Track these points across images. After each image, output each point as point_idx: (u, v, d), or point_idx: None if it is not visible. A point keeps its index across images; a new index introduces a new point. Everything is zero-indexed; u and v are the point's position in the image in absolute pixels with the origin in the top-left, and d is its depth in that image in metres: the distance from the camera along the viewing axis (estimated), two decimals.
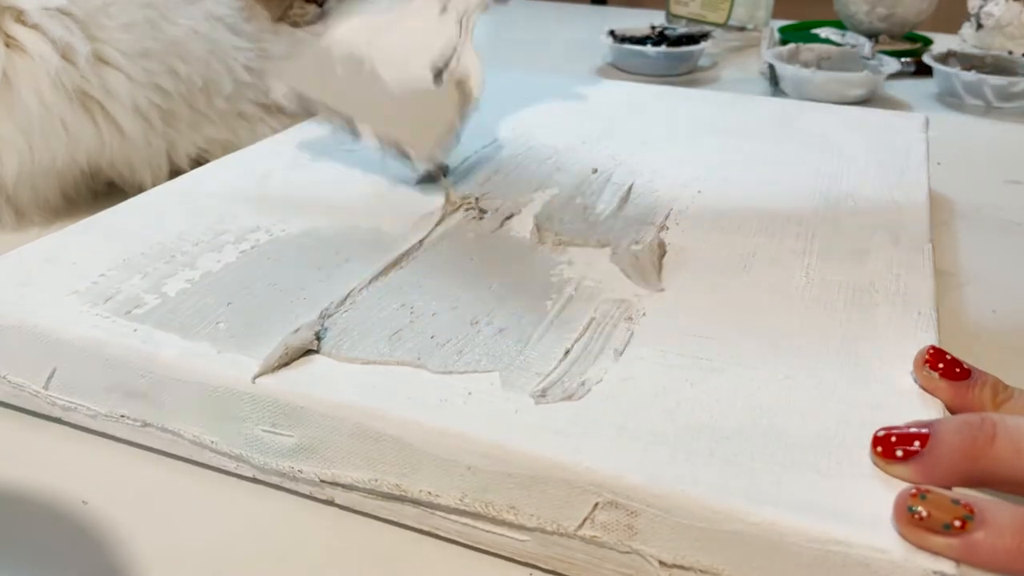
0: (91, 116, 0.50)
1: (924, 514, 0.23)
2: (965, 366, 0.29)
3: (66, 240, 0.39)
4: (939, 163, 0.57)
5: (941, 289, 0.36)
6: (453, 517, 0.28)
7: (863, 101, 0.78)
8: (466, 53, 0.42)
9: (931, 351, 0.30)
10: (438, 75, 0.39)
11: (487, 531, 0.28)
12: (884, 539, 0.23)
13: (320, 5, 0.62)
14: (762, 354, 0.31)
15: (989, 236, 0.51)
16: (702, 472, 0.25)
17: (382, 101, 0.38)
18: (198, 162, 0.55)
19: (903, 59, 0.84)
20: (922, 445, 0.25)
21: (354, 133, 0.40)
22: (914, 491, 0.24)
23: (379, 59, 0.41)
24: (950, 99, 0.79)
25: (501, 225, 0.41)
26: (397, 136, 0.38)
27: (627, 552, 0.26)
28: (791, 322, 0.33)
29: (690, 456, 0.26)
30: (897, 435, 0.26)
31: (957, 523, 0.23)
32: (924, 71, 0.84)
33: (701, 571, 0.25)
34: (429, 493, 0.28)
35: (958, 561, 0.23)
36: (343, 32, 0.42)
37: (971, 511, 0.23)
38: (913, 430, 0.26)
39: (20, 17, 0.47)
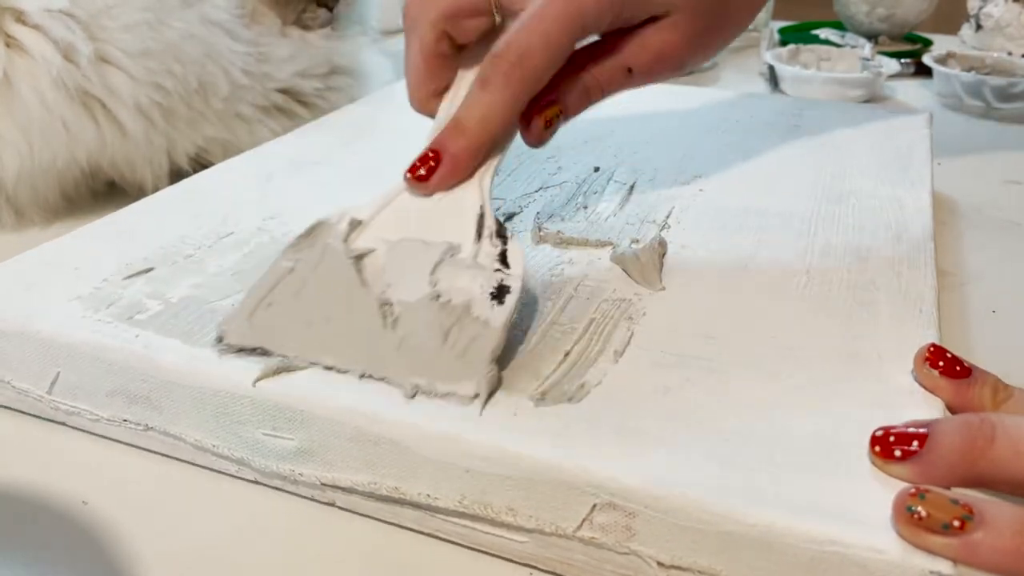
0: (92, 115, 0.50)
1: (923, 514, 0.23)
2: (965, 364, 0.29)
3: (68, 245, 0.39)
4: (939, 163, 0.57)
5: (941, 289, 0.36)
6: (452, 519, 0.28)
7: (863, 102, 0.78)
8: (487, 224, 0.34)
9: (932, 349, 0.30)
10: (499, 295, 0.30)
11: (486, 533, 0.28)
12: (882, 539, 0.23)
13: (330, 9, 0.63)
14: (762, 354, 0.31)
15: (989, 236, 0.51)
16: (700, 473, 0.25)
17: (399, 336, 0.29)
18: (197, 161, 0.55)
19: (903, 60, 0.85)
20: (920, 445, 0.25)
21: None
22: (913, 491, 0.24)
23: (389, 266, 0.32)
24: (950, 100, 0.79)
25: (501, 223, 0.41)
26: (431, 378, 0.28)
27: (625, 553, 0.26)
28: (792, 321, 0.33)
29: (688, 457, 0.26)
30: (895, 435, 0.26)
31: (956, 523, 0.23)
32: (924, 72, 0.84)
33: (699, 572, 0.25)
34: (428, 496, 0.28)
35: (957, 561, 0.23)
36: (327, 247, 0.32)
37: (970, 511, 0.23)
38: (911, 430, 0.26)
39: (21, 18, 0.47)
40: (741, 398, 0.29)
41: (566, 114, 0.37)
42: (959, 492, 0.24)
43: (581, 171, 0.48)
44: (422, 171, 0.33)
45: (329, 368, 0.29)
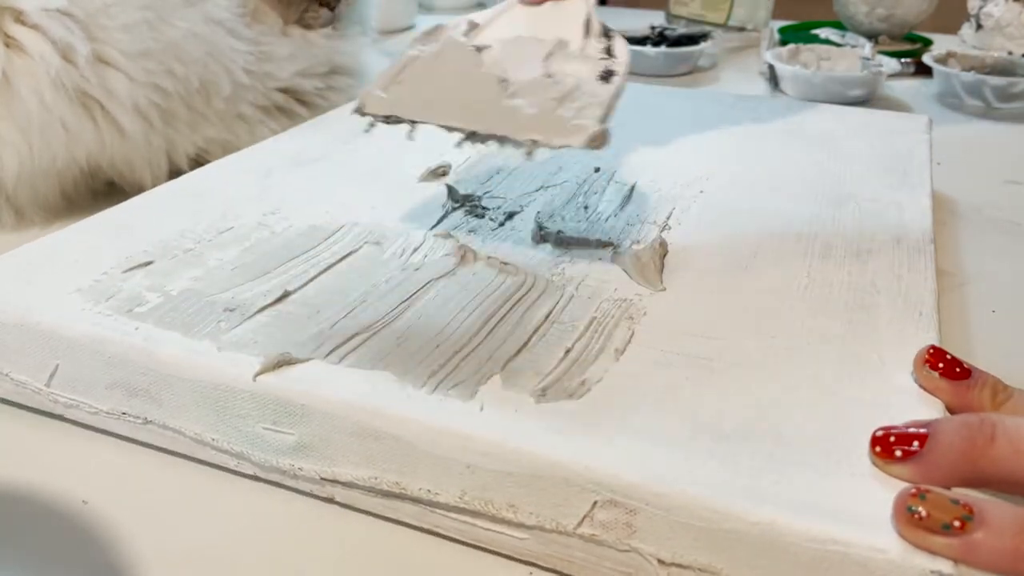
0: (91, 115, 0.50)
1: (923, 514, 0.23)
2: (965, 366, 0.29)
3: (68, 238, 0.39)
4: (939, 163, 0.57)
5: (941, 289, 0.36)
6: (453, 515, 0.28)
7: (863, 101, 0.78)
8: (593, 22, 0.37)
9: (931, 351, 0.30)
10: (606, 76, 0.34)
11: (486, 529, 0.28)
12: (882, 539, 0.23)
13: (332, 9, 0.63)
14: (762, 354, 0.31)
15: (989, 236, 0.51)
16: (701, 471, 0.25)
17: (516, 104, 0.33)
18: (197, 162, 0.55)
19: (903, 60, 0.85)
20: (921, 445, 0.25)
21: (479, 141, 0.34)
22: (914, 491, 0.24)
23: (505, 58, 0.35)
24: (950, 100, 0.79)
25: (502, 224, 0.41)
26: (546, 135, 0.32)
27: (626, 550, 0.26)
28: (792, 322, 0.33)
29: (689, 455, 0.26)
30: (896, 435, 0.26)
31: (956, 523, 0.23)
32: (924, 72, 0.84)
33: (699, 570, 0.25)
34: (429, 491, 0.28)
35: (957, 561, 0.23)
36: (449, 38, 0.36)
37: (970, 511, 0.23)
38: (912, 430, 0.26)
39: (20, 18, 0.47)
40: (742, 398, 0.29)
41: None
42: (959, 492, 0.24)
43: (582, 171, 0.48)
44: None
45: (452, 128, 0.33)
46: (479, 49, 0.35)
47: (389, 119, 0.34)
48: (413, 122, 0.34)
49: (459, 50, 0.34)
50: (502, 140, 0.33)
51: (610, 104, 0.33)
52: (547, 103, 0.32)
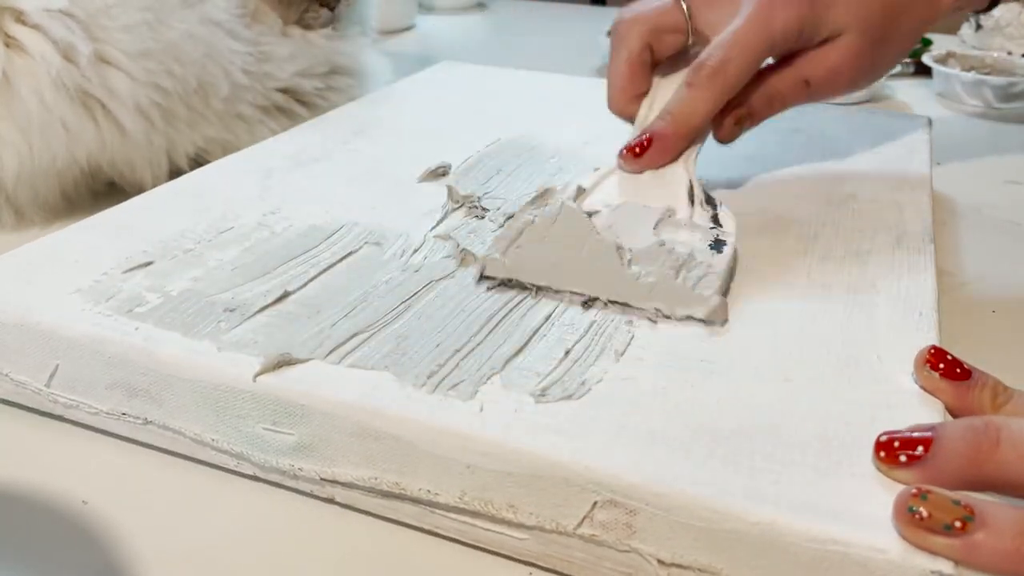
0: (92, 115, 0.50)
1: (924, 514, 0.23)
2: (966, 367, 0.29)
3: (68, 238, 0.39)
4: (939, 163, 0.57)
5: (941, 289, 0.36)
6: (452, 515, 0.28)
7: (863, 101, 0.78)
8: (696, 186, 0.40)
9: (932, 351, 0.30)
10: (717, 246, 0.36)
11: (486, 529, 0.28)
12: (883, 539, 0.23)
13: (331, 9, 0.63)
14: (762, 354, 0.31)
15: (989, 236, 0.51)
16: (701, 471, 0.25)
17: (635, 271, 0.33)
18: (197, 162, 0.55)
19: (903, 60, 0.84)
20: (925, 450, 0.25)
21: (595, 302, 0.34)
22: (915, 491, 0.24)
23: (616, 223, 0.37)
24: (950, 100, 0.79)
25: (502, 225, 0.41)
26: (669, 304, 0.33)
27: (626, 551, 0.26)
28: (792, 322, 0.33)
29: (689, 455, 0.26)
30: (900, 440, 0.26)
31: (957, 524, 0.23)
32: (924, 72, 0.84)
33: (699, 570, 0.25)
34: (429, 491, 0.28)
35: (958, 562, 0.23)
36: (564, 204, 0.36)
37: (971, 512, 0.23)
38: (916, 435, 0.25)
39: (20, 18, 0.47)
40: (742, 398, 0.29)
41: (752, 118, 0.44)
42: (960, 493, 0.24)
43: (582, 171, 0.47)
44: (637, 150, 0.41)
45: (576, 294, 0.34)
46: (590, 215, 0.36)
47: (511, 283, 0.35)
48: (537, 288, 0.35)
49: (574, 215, 0.35)
50: (624, 307, 0.34)
51: (726, 276, 0.35)
52: (666, 272, 0.33)
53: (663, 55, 0.45)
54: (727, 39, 0.41)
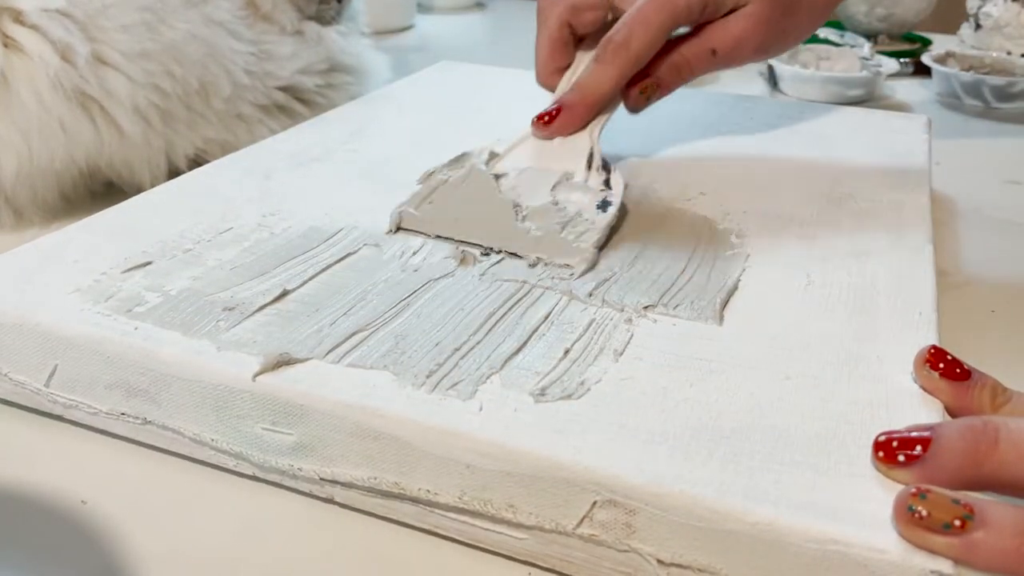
0: (90, 116, 0.49)
1: (924, 513, 0.23)
2: (965, 367, 0.29)
3: (67, 238, 0.39)
4: (938, 163, 0.57)
5: (940, 289, 0.36)
6: (452, 515, 0.28)
7: (862, 101, 0.78)
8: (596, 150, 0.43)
9: (932, 351, 0.30)
10: (603, 206, 0.40)
11: (486, 529, 0.28)
12: (882, 539, 0.23)
13: (339, 1, 0.63)
14: (762, 354, 0.31)
15: (989, 236, 0.51)
16: (701, 471, 0.25)
17: (526, 226, 0.38)
18: (196, 163, 0.55)
19: (902, 59, 0.85)
20: (924, 449, 0.25)
21: (491, 252, 0.38)
22: (914, 490, 0.24)
23: (519, 185, 0.41)
24: (949, 99, 0.79)
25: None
26: (550, 254, 0.37)
27: (625, 551, 0.26)
28: (791, 323, 0.33)
29: (689, 455, 0.26)
30: (899, 439, 0.26)
31: (957, 523, 0.23)
32: (923, 71, 0.84)
33: (699, 570, 0.25)
34: (428, 491, 0.28)
35: (957, 561, 0.23)
36: (473, 166, 0.41)
37: (971, 511, 0.23)
38: (915, 434, 0.25)
39: (19, 18, 0.47)
40: (741, 398, 0.29)
41: (661, 88, 0.45)
42: (960, 492, 0.24)
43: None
44: (546, 119, 0.44)
45: (473, 244, 0.38)
46: (497, 177, 0.41)
47: (420, 233, 0.40)
48: (439, 237, 0.39)
49: (481, 177, 0.41)
50: (512, 255, 0.38)
51: (603, 232, 0.38)
52: (552, 227, 0.38)
53: (586, 30, 0.47)
54: (632, 15, 0.43)
